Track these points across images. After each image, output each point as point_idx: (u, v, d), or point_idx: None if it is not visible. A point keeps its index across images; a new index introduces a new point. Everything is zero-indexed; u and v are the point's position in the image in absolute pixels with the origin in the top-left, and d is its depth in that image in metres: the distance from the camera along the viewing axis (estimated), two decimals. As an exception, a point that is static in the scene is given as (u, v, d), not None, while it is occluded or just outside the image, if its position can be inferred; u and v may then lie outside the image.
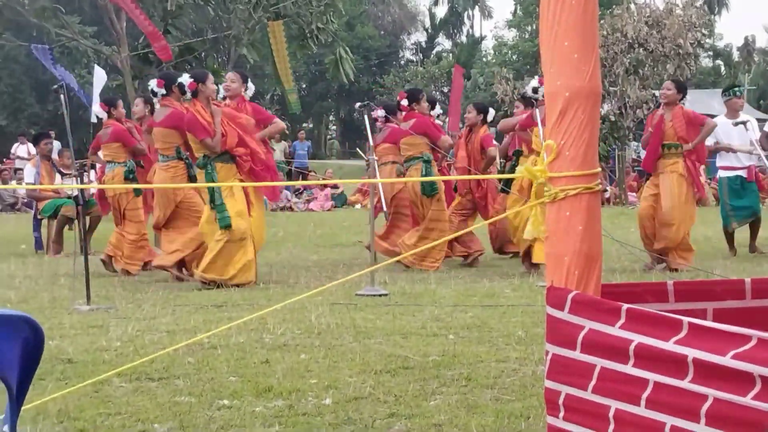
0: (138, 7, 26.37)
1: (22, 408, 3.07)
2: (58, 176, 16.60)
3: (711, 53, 72.40)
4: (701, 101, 42.85)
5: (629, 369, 3.27)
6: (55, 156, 17.67)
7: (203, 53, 35.69)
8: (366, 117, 11.99)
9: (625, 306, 3.35)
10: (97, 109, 13.09)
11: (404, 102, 13.11)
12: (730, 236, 13.82)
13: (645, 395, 3.20)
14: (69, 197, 15.49)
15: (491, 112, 14.09)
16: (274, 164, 11.95)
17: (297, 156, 35.90)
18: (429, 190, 12.65)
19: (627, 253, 12.37)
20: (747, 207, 13.57)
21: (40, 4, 29.97)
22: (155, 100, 12.45)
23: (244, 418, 5.13)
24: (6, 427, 2.99)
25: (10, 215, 26.82)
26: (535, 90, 11.75)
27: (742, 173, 13.51)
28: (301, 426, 5.00)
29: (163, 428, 5.00)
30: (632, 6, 32.48)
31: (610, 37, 30.25)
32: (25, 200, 26.38)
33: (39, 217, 16.40)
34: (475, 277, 11.65)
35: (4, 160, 33.71)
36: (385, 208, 12.53)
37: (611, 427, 3.33)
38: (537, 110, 11.51)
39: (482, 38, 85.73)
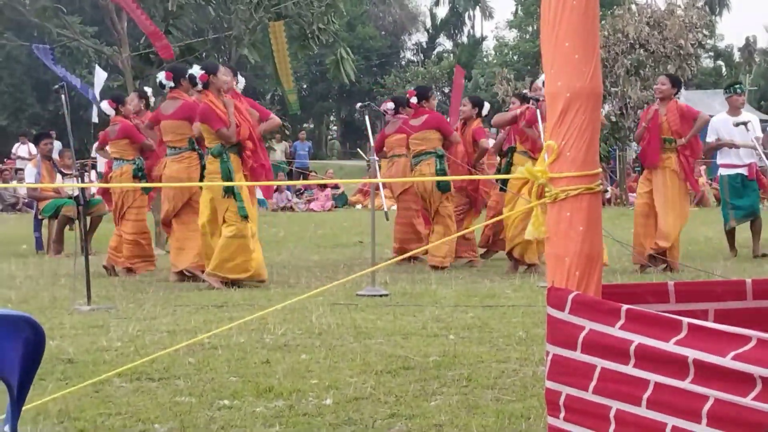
0: (139, 7, 26.39)
1: (23, 408, 3.08)
2: (58, 176, 16.59)
3: (712, 54, 72.37)
4: (702, 102, 42.84)
5: (630, 369, 3.27)
6: (55, 156, 17.67)
7: (204, 53, 35.66)
8: (367, 117, 11.98)
9: (625, 307, 3.35)
10: (104, 106, 13.06)
11: (414, 99, 13.13)
12: (731, 237, 13.81)
13: (646, 396, 3.20)
14: (70, 197, 15.48)
15: (486, 105, 14.13)
16: (269, 163, 11.97)
17: (298, 156, 35.91)
18: (445, 185, 12.66)
19: (628, 254, 12.38)
20: (747, 206, 13.56)
21: (41, 4, 29.94)
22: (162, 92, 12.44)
23: (244, 419, 5.14)
24: (7, 427, 2.99)
25: (11, 215, 26.82)
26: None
27: (743, 171, 13.50)
28: (302, 426, 5.00)
29: (163, 428, 5.00)
30: (633, 6, 32.49)
31: (611, 37, 30.25)
32: (26, 200, 26.38)
33: (40, 217, 16.40)
34: (475, 277, 11.65)
35: (5, 160, 33.72)
36: (385, 208, 12.53)
37: (612, 427, 3.32)
38: (537, 111, 11.52)
39: (483, 39, 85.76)
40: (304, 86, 74.92)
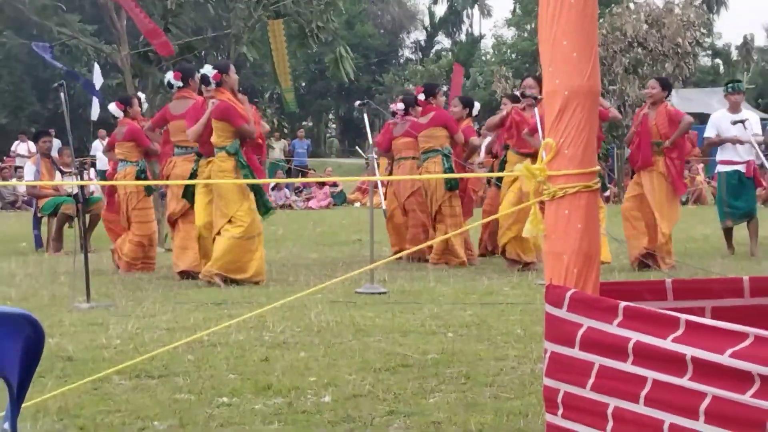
0: (138, 6, 26.38)
1: (22, 405, 3.08)
2: (57, 174, 16.59)
3: (710, 52, 72.39)
4: (700, 100, 42.90)
5: (628, 367, 3.28)
6: (54, 154, 17.67)
7: (203, 52, 35.66)
8: (365, 115, 11.98)
9: (623, 304, 3.36)
10: (112, 108, 13.07)
11: (421, 96, 13.14)
12: (728, 234, 13.82)
13: (644, 393, 3.21)
14: (69, 195, 15.49)
15: (477, 105, 14.16)
16: (259, 164, 11.98)
17: (296, 154, 35.94)
18: (453, 184, 12.67)
19: (625, 252, 12.38)
20: (744, 207, 13.55)
21: (41, 2, 29.92)
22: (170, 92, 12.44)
23: (243, 416, 5.14)
24: (7, 424, 3.00)
25: (11, 213, 26.82)
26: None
27: (741, 168, 13.48)
28: (301, 423, 5.01)
29: (162, 426, 5.01)
30: (631, 5, 32.49)
31: (609, 35, 30.27)
32: (25, 198, 26.40)
33: (39, 215, 16.41)
34: (474, 275, 11.65)
35: (5, 158, 33.74)
36: (383, 206, 12.52)
37: (610, 424, 3.34)
38: (536, 109, 11.54)
39: (481, 37, 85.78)
40: (303, 84, 74.92)
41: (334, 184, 30.95)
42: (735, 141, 13.38)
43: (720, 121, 13.59)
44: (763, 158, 12.97)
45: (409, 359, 6.51)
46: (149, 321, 8.31)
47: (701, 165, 28.07)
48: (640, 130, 12.37)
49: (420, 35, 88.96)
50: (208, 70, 11.10)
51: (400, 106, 13.88)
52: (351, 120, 75.55)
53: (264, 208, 11.24)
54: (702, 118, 26.31)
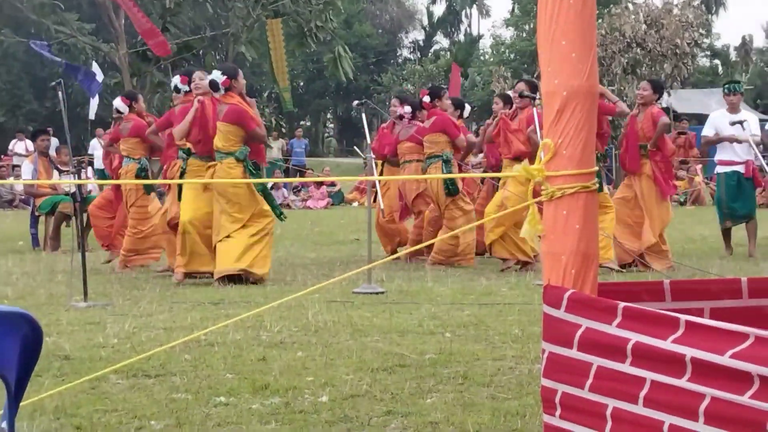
0: (136, 5, 26.37)
1: (20, 404, 3.08)
2: (55, 173, 16.59)
3: (709, 53, 72.41)
4: (698, 100, 42.92)
5: (626, 368, 3.28)
6: (52, 153, 17.66)
7: (201, 51, 35.70)
8: (363, 115, 11.98)
9: (622, 304, 3.36)
10: (118, 103, 13.06)
11: (426, 99, 13.11)
12: (726, 235, 13.82)
13: (642, 394, 3.21)
14: (66, 194, 15.48)
15: (467, 108, 14.16)
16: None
17: (294, 154, 35.92)
18: (452, 189, 12.64)
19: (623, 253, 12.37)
20: (742, 208, 13.55)
21: (39, 0, 29.95)
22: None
23: (240, 416, 5.14)
24: (4, 424, 2.99)
25: (8, 212, 26.81)
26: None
27: (740, 168, 13.47)
28: (298, 423, 5.00)
29: (159, 425, 5.01)
30: (630, 5, 32.51)
31: (608, 36, 30.29)
32: (23, 197, 26.38)
33: (36, 213, 16.40)
34: (472, 275, 11.65)
35: (2, 156, 33.72)
36: (381, 206, 12.52)
37: (608, 425, 3.33)
38: (534, 110, 11.55)
39: (480, 37, 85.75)
40: (301, 84, 74.93)
41: (332, 184, 30.94)
42: (732, 140, 13.38)
43: (718, 121, 13.60)
44: (761, 160, 12.97)
45: (406, 359, 6.51)
46: (146, 320, 8.31)
47: (699, 166, 28.08)
48: (628, 132, 12.42)
49: (418, 35, 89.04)
50: (217, 75, 11.08)
51: (407, 109, 13.84)
52: (349, 120, 75.53)
53: (277, 211, 11.30)
54: (700, 119, 26.34)
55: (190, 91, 11.90)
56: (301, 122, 73.64)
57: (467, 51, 76.63)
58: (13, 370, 2.96)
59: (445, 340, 7.25)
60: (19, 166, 25.76)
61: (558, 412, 3.55)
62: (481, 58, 73.20)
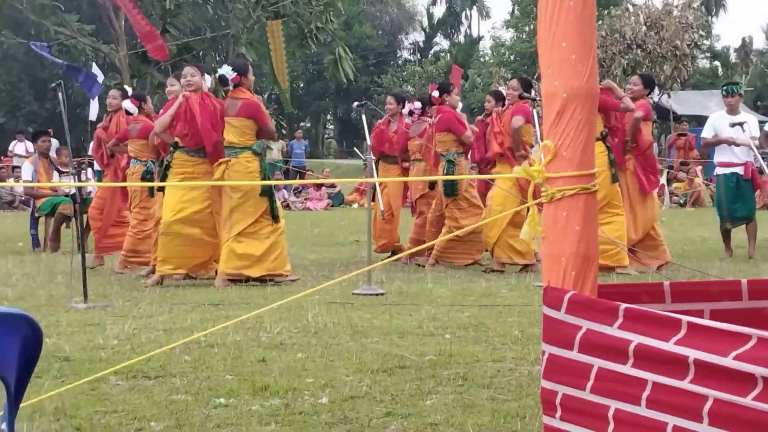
0: (136, 7, 26.37)
1: (20, 406, 3.08)
2: (55, 174, 16.60)
3: (708, 54, 72.42)
4: (698, 102, 42.89)
5: (628, 369, 3.27)
6: (53, 154, 17.66)
7: (202, 52, 35.71)
8: (363, 116, 11.98)
9: (623, 306, 3.35)
10: (127, 105, 13.07)
11: (435, 93, 13.13)
12: (726, 237, 13.81)
13: (645, 395, 3.20)
14: (66, 195, 15.49)
15: (417, 104, 14.17)
16: None
17: (294, 155, 35.92)
18: (449, 190, 12.64)
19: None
20: (742, 209, 13.54)
21: (39, 1, 29.95)
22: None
23: (240, 417, 5.14)
24: (4, 425, 2.99)
25: (8, 213, 26.82)
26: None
27: (739, 170, 13.46)
28: (298, 425, 5.00)
29: (159, 426, 5.01)
30: (630, 7, 32.54)
31: (608, 37, 30.32)
32: (23, 198, 26.39)
33: (36, 214, 16.40)
34: (471, 276, 11.66)
35: (2, 157, 33.71)
36: (381, 207, 12.52)
37: (611, 427, 3.33)
38: (535, 111, 11.55)
39: (480, 38, 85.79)
40: (301, 85, 74.94)
41: (332, 185, 30.94)
42: (730, 142, 13.38)
43: (718, 122, 13.61)
44: (761, 162, 12.97)
45: (406, 361, 6.51)
46: (146, 321, 8.31)
47: (699, 167, 28.07)
48: (615, 127, 12.42)
49: (418, 36, 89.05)
50: (227, 71, 11.12)
51: (417, 105, 13.87)
52: (349, 121, 75.53)
53: (275, 213, 11.27)
54: (700, 121, 26.32)
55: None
56: (301, 123, 73.65)
57: (467, 52, 76.64)
58: (12, 371, 2.96)
59: (445, 341, 7.24)
60: (19, 167, 25.75)
61: (558, 414, 3.54)
62: (482, 59, 73.28)
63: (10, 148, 31.96)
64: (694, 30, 31.80)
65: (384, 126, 14.11)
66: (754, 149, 12.99)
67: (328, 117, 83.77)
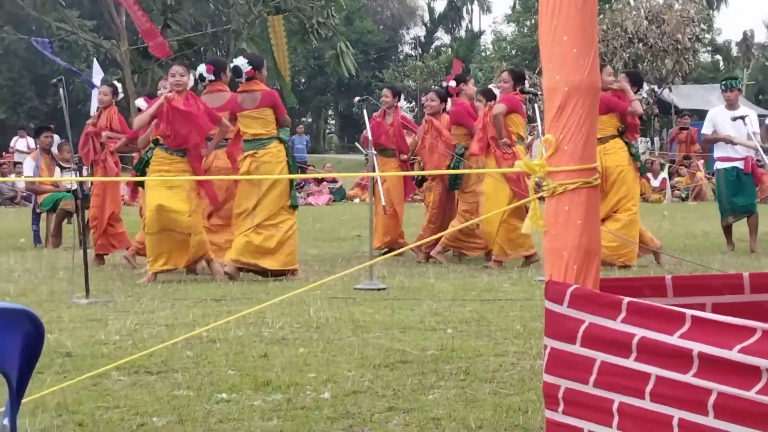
0: (137, 3, 26.37)
1: (22, 401, 3.08)
2: (57, 170, 16.60)
3: (710, 48, 72.41)
4: (700, 96, 42.88)
5: (631, 363, 3.27)
6: (55, 150, 17.66)
7: (203, 48, 35.72)
8: (365, 111, 11.98)
9: (626, 300, 3.35)
10: (140, 103, 13.06)
11: (452, 83, 13.18)
12: (728, 231, 13.80)
13: (648, 389, 3.20)
14: (68, 191, 15.49)
15: (450, 101, 14.18)
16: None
17: (295, 150, 35.90)
18: (452, 184, 12.68)
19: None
20: (743, 203, 13.53)
21: (40, -3, 29.97)
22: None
23: (242, 412, 5.14)
24: (6, 420, 2.99)
25: (9, 209, 26.81)
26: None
27: (739, 164, 13.45)
28: (300, 420, 5.00)
29: (161, 422, 5.01)
30: (631, 1, 32.52)
31: (609, 31, 30.30)
32: (24, 194, 26.38)
33: (38, 210, 16.40)
34: (473, 271, 11.65)
35: (3, 153, 33.74)
36: (383, 202, 12.50)
37: (616, 420, 3.33)
38: (536, 105, 11.55)
39: (481, 33, 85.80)
40: (302, 80, 74.94)
41: (333, 180, 30.93)
42: (728, 141, 13.38)
43: (717, 118, 13.59)
44: (763, 155, 12.96)
45: (408, 355, 6.51)
46: (148, 317, 8.31)
47: (701, 161, 28.05)
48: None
49: (419, 31, 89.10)
50: (242, 63, 11.14)
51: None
52: (350, 116, 75.58)
53: (293, 200, 11.44)
54: (702, 115, 26.30)
55: (216, 80, 11.92)
56: (303, 119, 73.63)
57: (468, 47, 76.67)
58: (14, 366, 2.96)
59: (447, 336, 7.24)
60: (20, 163, 25.78)
61: (561, 408, 3.54)
62: (483, 54, 73.31)
63: (12, 143, 31.99)
64: (696, 24, 31.79)
65: (380, 118, 14.09)
66: (758, 145, 12.97)
67: (330, 112, 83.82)
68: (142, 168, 11.29)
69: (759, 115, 14.60)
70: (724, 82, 14.10)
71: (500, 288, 10.02)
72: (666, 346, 3.15)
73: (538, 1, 3.76)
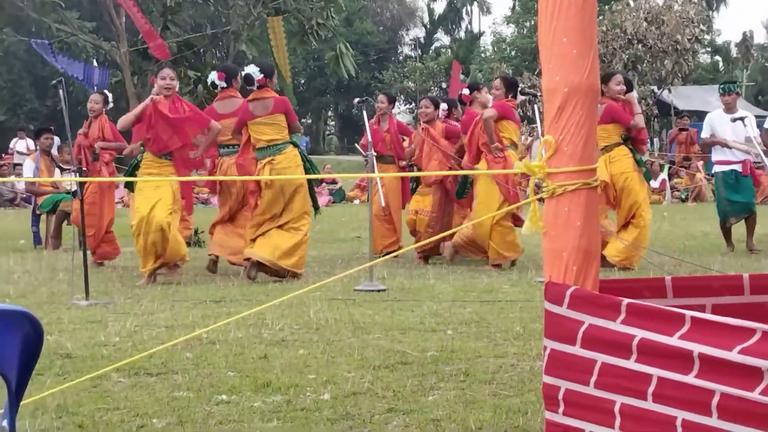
0: (136, 5, 26.38)
1: (21, 403, 3.08)
2: (57, 171, 16.59)
3: (709, 49, 72.41)
4: (699, 97, 42.90)
5: (632, 364, 3.27)
6: (54, 152, 17.66)
7: (202, 49, 35.71)
8: (364, 113, 11.99)
9: (626, 301, 3.35)
10: None
11: (466, 91, 13.18)
12: (727, 232, 13.81)
13: (650, 390, 3.20)
14: (68, 192, 15.49)
15: (443, 105, 14.16)
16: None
17: (295, 151, 35.93)
18: (459, 192, 12.71)
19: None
20: (742, 202, 13.54)
21: (40, -1, 29.97)
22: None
23: (242, 413, 5.14)
24: (5, 422, 2.99)
25: (9, 210, 26.82)
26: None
27: (737, 167, 13.47)
28: (300, 421, 5.00)
29: (161, 423, 5.01)
30: (631, 2, 32.52)
31: (609, 32, 30.29)
32: (24, 195, 26.38)
33: (38, 212, 16.40)
34: (473, 272, 11.65)
35: (3, 155, 33.73)
36: (382, 203, 12.51)
37: (618, 421, 3.33)
38: (536, 106, 11.55)
39: (481, 34, 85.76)
40: (302, 81, 74.94)
41: (333, 182, 30.93)
42: (724, 144, 13.38)
43: (714, 121, 13.60)
44: (763, 157, 12.96)
45: (408, 357, 6.51)
46: (148, 318, 8.31)
47: (701, 162, 28.04)
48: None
49: (419, 32, 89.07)
50: (253, 71, 11.15)
51: (444, 106, 13.87)
52: (350, 117, 75.57)
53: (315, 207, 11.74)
54: (701, 116, 26.29)
55: (227, 87, 11.93)
56: (302, 120, 73.63)
57: (468, 48, 76.67)
58: (14, 368, 2.96)
59: (447, 337, 7.24)
60: (20, 164, 25.76)
61: (561, 409, 3.54)
62: (482, 55, 73.27)
63: (12, 145, 31.98)
64: (695, 25, 31.80)
65: (376, 125, 14.07)
66: (757, 147, 12.96)
67: (329, 113, 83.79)
68: (131, 171, 11.35)
69: (757, 116, 14.61)
70: (722, 86, 14.11)
71: (500, 289, 10.02)
72: (666, 347, 3.15)
73: (538, 3, 3.77)
